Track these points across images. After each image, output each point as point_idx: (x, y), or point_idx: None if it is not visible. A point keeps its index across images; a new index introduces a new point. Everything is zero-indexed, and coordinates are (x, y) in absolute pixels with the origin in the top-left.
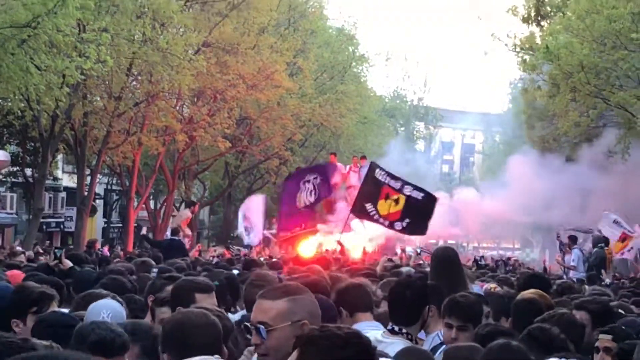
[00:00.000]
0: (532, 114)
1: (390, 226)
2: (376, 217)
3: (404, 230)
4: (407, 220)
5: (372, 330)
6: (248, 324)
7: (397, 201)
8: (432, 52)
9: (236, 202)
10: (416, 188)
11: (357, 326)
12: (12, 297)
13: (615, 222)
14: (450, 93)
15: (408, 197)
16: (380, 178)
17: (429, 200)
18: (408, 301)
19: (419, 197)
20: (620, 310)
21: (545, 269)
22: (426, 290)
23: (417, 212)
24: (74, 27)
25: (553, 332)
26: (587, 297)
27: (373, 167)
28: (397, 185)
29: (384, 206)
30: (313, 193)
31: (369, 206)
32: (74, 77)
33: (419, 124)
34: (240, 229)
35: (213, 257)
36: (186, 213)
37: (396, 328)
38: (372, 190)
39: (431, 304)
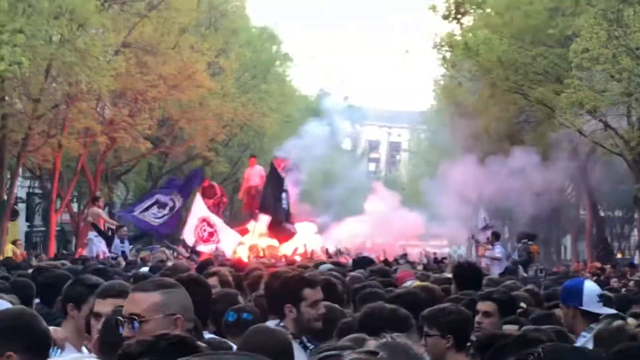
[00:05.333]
0: (455, 111)
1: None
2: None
3: None
4: None
5: None
6: (120, 318)
7: None
8: (355, 51)
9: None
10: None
11: None
12: None
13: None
14: (375, 91)
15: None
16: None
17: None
18: (271, 296)
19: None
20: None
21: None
22: (284, 287)
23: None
24: None
25: (384, 310)
26: (492, 288)
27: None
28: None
29: None
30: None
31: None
32: None
33: (345, 123)
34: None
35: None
36: (96, 211)
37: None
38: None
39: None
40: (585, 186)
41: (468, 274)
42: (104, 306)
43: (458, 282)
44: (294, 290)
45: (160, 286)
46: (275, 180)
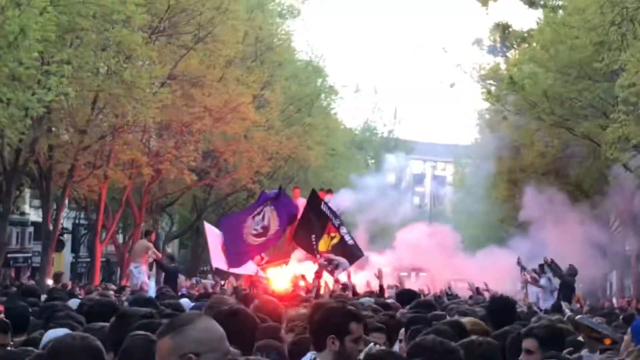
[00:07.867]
0: (499, 145)
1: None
2: (315, 251)
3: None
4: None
5: None
6: None
7: (332, 238)
8: (401, 85)
9: (204, 235)
10: (349, 234)
11: None
12: None
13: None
14: (420, 125)
15: (342, 238)
16: (324, 210)
17: (356, 251)
18: (314, 327)
19: (350, 242)
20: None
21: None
22: (330, 318)
23: (343, 255)
24: (36, 60)
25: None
26: (535, 324)
27: (317, 198)
28: (337, 222)
29: (325, 242)
30: (263, 221)
31: (313, 238)
32: (36, 110)
33: (389, 156)
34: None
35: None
36: (144, 244)
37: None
38: (317, 223)
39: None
40: (631, 221)
41: (501, 309)
42: None
43: (492, 317)
44: (340, 322)
45: (171, 329)
46: (316, 210)
